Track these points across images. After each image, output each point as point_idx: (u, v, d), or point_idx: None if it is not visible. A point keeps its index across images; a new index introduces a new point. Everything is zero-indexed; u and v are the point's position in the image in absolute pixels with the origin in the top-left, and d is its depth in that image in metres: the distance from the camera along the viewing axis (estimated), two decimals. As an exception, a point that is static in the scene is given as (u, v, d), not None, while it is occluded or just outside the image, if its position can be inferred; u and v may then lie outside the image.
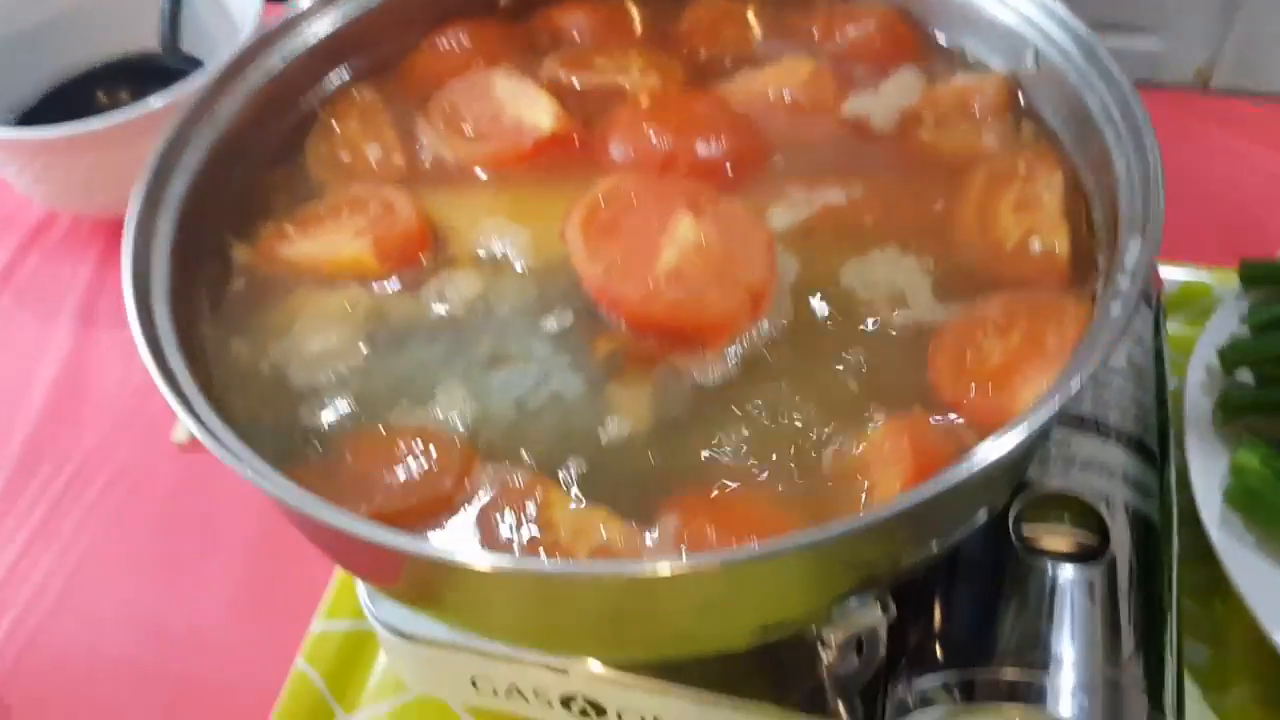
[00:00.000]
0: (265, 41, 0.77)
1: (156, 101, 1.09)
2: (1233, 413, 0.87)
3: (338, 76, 0.81)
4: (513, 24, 0.86)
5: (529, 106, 0.77)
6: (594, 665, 0.73)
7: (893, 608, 0.64)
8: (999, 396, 0.59)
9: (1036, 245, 0.66)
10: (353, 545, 0.55)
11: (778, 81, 0.78)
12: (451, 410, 0.63)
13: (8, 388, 1.10)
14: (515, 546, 0.56)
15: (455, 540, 0.57)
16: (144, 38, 1.30)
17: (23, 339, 1.15)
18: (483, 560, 0.49)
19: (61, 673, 0.90)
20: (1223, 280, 1.03)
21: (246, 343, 0.67)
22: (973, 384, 0.60)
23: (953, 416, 0.60)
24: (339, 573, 0.90)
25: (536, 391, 0.64)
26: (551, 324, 0.67)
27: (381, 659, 0.86)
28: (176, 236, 0.67)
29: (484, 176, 0.76)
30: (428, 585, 0.57)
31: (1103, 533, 0.72)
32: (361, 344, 0.67)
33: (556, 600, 0.54)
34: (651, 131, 0.74)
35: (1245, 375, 0.89)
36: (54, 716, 0.88)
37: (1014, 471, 0.65)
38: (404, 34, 0.84)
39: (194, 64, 1.28)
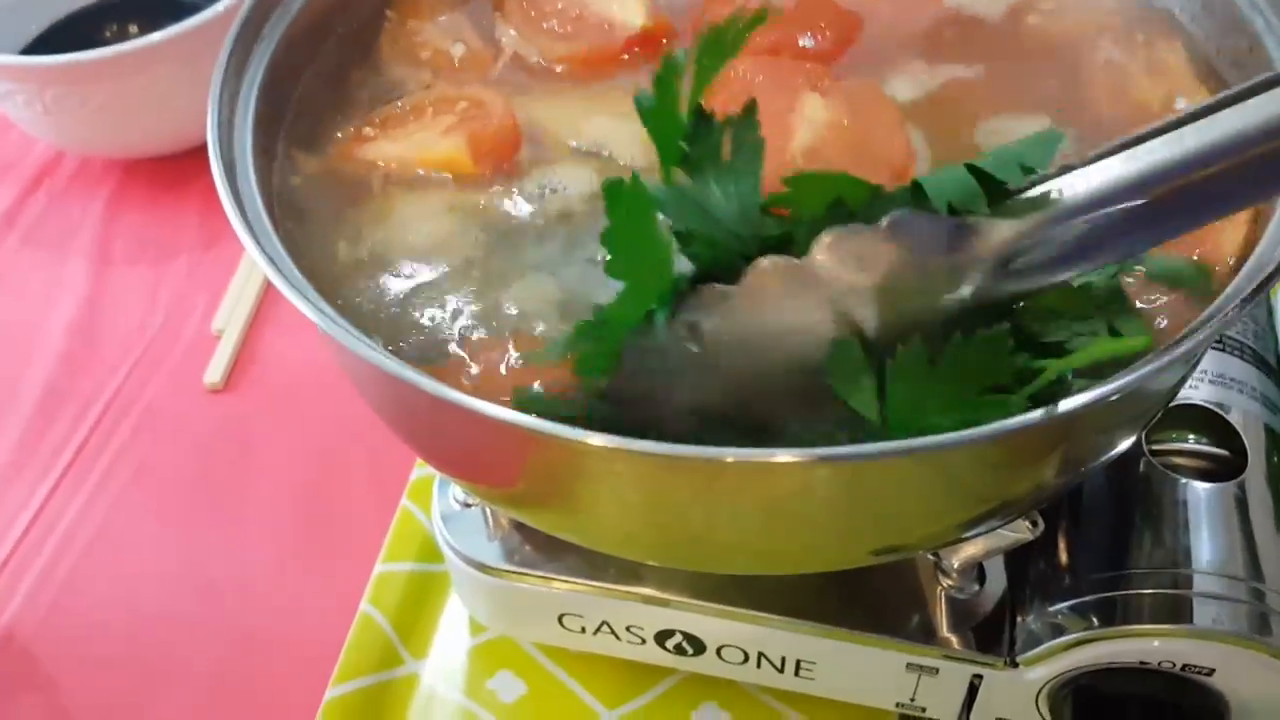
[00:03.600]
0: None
1: (171, 33, 1.03)
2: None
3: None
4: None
5: (618, 3, 0.72)
6: (696, 598, 0.69)
7: (1041, 523, 0.61)
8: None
9: (1182, 103, 0.62)
10: (494, 436, 0.50)
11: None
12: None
13: (23, 330, 1.04)
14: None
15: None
16: (153, -30, 1.23)
17: (35, 281, 1.08)
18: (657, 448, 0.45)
19: (100, 628, 0.84)
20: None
21: (343, 247, 0.62)
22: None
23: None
24: (399, 512, 0.85)
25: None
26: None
27: (451, 603, 0.81)
28: (256, 138, 0.62)
29: (571, 76, 0.71)
30: (559, 481, 0.53)
31: (1236, 449, 0.68)
32: (470, 244, 0.61)
33: (708, 492, 0.50)
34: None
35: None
36: (99, 675, 0.82)
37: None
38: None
39: (206, -2, 1.22)
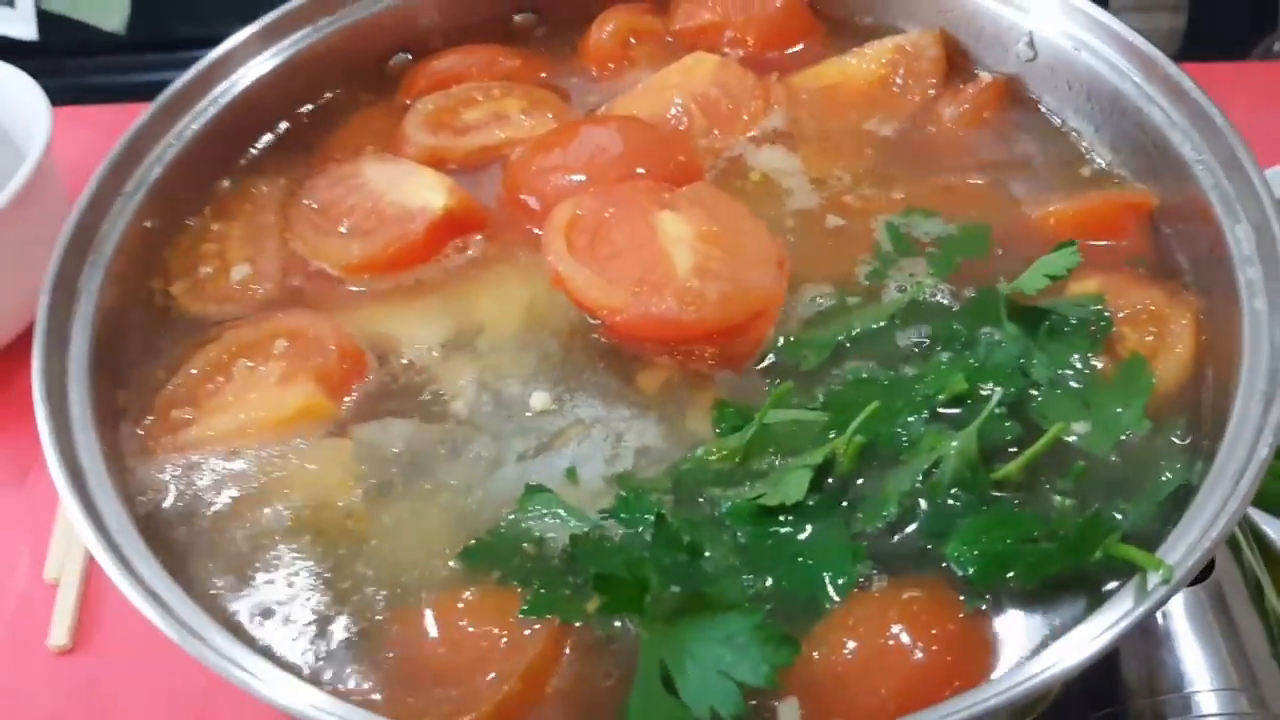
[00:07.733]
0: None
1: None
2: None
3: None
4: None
5: (415, 188, 0.65)
6: None
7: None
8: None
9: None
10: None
11: (684, 82, 0.71)
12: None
13: None
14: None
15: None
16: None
17: None
18: None
19: None
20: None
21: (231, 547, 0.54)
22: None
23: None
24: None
25: (617, 454, 0.54)
26: (581, 380, 0.58)
27: None
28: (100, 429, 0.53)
29: (381, 277, 0.64)
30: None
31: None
32: (375, 499, 0.54)
33: None
34: (560, 172, 0.66)
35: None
36: None
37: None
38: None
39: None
